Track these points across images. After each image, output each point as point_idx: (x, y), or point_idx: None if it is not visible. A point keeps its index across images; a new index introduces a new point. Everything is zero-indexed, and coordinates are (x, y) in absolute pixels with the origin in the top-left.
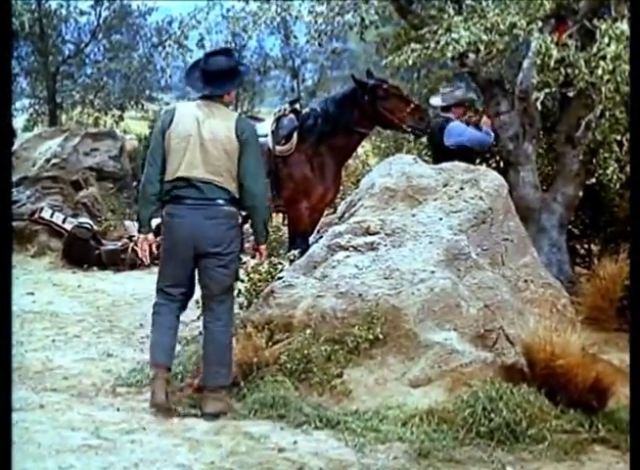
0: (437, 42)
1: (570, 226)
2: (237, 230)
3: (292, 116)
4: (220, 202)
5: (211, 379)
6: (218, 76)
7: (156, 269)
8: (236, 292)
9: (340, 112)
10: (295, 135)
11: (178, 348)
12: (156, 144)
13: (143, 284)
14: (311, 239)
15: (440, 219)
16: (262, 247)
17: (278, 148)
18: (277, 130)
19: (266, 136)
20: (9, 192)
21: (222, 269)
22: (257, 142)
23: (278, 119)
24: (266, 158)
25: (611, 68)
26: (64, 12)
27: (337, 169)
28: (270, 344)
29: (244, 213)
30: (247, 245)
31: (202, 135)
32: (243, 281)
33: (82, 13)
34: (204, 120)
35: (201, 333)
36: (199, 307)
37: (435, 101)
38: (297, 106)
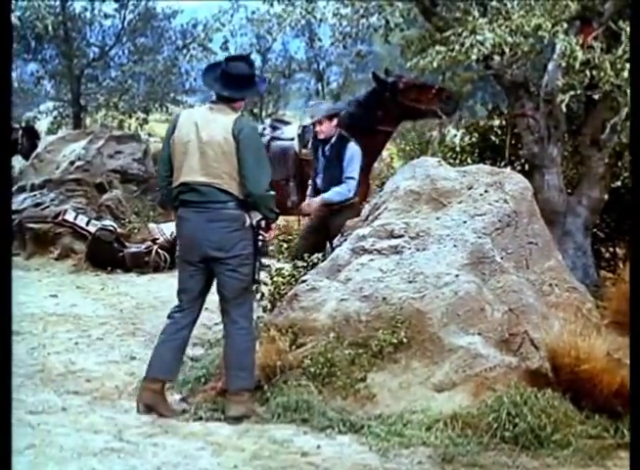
0: (462, 44)
1: (595, 229)
2: (243, 233)
3: None
4: (223, 205)
5: (232, 382)
6: (238, 81)
7: (175, 274)
8: (259, 295)
9: (363, 112)
10: None
11: (201, 351)
12: (163, 152)
13: (166, 287)
14: (335, 242)
15: (465, 222)
16: (273, 225)
17: (304, 151)
18: (304, 134)
19: (292, 139)
20: (9, 192)
21: (232, 273)
22: (257, 139)
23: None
24: (292, 161)
25: None
26: (88, 15)
27: (363, 171)
28: (294, 347)
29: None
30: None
31: (200, 139)
32: (265, 284)
33: (107, 16)
34: (203, 124)
35: (224, 336)
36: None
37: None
38: None
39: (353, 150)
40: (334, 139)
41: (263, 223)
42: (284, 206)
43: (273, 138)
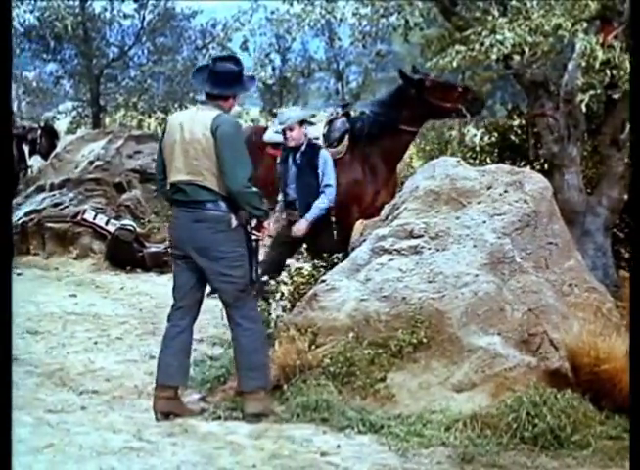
0: (482, 44)
1: (614, 229)
2: (229, 234)
3: (343, 119)
4: (207, 205)
5: (244, 383)
6: (225, 78)
7: None
8: (278, 295)
9: (388, 111)
10: (346, 138)
11: (220, 350)
12: (157, 156)
13: None
14: (354, 242)
15: (484, 222)
16: (265, 223)
17: (330, 150)
18: (329, 133)
19: (318, 139)
20: (9, 193)
21: (223, 277)
22: (235, 135)
23: (330, 122)
24: None
25: None
26: (108, 15)
27: (388, 172)
28: (313, 347)
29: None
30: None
31: (184, 139)
32: (285, 284)
33: (126, 16)
34: (187, 124)
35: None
36: None
37: (269, 135)
38: (349, 109)
39: (326, 157)
40: (304, 147)
41: (255, 222)
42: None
43: None
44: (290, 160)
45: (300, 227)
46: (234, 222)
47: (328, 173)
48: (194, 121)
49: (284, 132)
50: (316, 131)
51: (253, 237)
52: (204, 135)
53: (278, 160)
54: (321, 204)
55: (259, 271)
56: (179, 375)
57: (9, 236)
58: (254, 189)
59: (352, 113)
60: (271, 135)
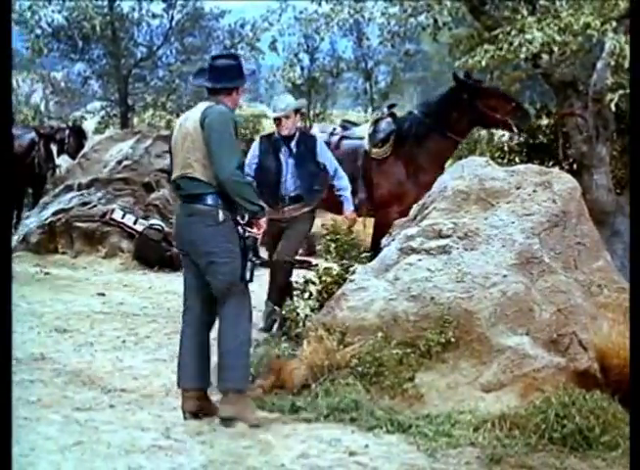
0: (511, 43)
1: None
2: (218, 229)
3: (389, 119)
4: (197, 199)
5: (218, 382)
6: (224, 72)
7: None
8: (307, 294)
9: (436, 114)
10: (391, 139)
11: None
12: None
13: None
14: (384, 241)
15: (513, 223)
16: (261, 221)
17: (374, 151)
18: (374, 133)
19: (362, 139)
20: (9, 193)
21: (212, 273)
22: (223, 123)
23: (376, 122)
24: (362, 159)
25: None
26: (136, 15)
27: (431, 175)
28: (341, 347)
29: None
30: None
31: (181, 135)
32: (313, 283)
33: (155, 16)
34: (184, 121)
35: (272, 335)
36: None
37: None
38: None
39: (324, 145)
40: (297, 135)
41: (248, 218)
42: None
43: (343, 137)
44: (282, 151)
45: (354, 216)
46: (221, 216)
47: (333, 160)
48: (188, 117)
49: (279, 120)
50: (362, 131)
51: (247, 234)
52: (194, 127)
53: (257, 149)
54: (345, 183)
55: (253, 271)
56: (199, 378)
57: (8, 237)
58: (247, 179)
59: (397, 113)
60: (317, 134)
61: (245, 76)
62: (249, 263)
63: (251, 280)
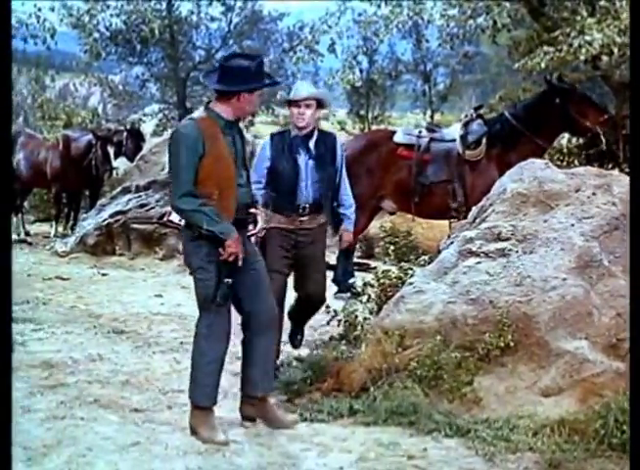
0: (570, 45)
1: None
2: (191, 245)
3: (480, 120)
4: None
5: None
6: (226, 73)
7: None
8: (365, 297)
9: (527, 116)
10: (484, 141)
11: (306, 352)
12: None
13: None
14: (442, 244)
15: (572, 225)
16: (227, 242)
17: (468, 152)
18: (466, 135)
19: (454, 141)
20: (9, 193)
21: (194, 285)
22: (174, 146)
23: (466, 124)
24: (455, 162)
25: None
26: (194, 18)
27: None
28: (400, 350)
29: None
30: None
31: None
32: (372, 286)
33: (213, 19)
34: None
35: (330, 338)
36: (328, 312)
37: (400, 136)
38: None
39: (340, 140)
40: (316, 133)
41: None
42: (446, 207)
43: (433, 139)
44: (300, 151)
45: (351, 238)
46: (190, 234)
47: (344, 169)
48: None
49: (296, 105)
50: (453, 133)
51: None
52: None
53: (269, 149)
54: (352, 210)
55: (227, 293)
56: (250, 384)
57: (8, 235)
58: (195, 206)
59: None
60: (401, 137)
61: (254, 81)
62: (219, 285)
63: (221, 303)
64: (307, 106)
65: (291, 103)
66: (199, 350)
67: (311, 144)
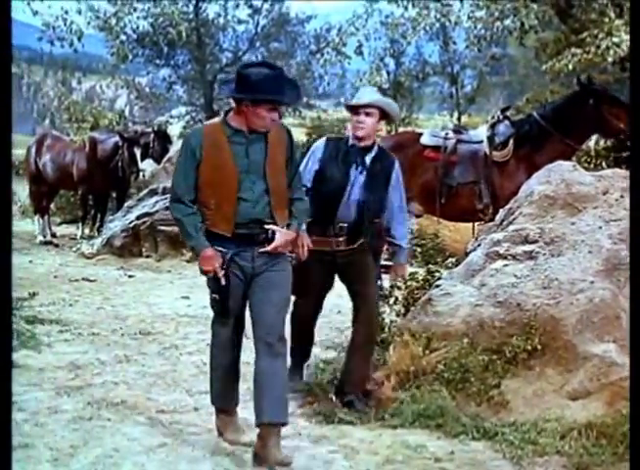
0: (598, 46)
1: None
2: None
3: (507, 122)
4: None
5: None
6: (231, 81)
7: None
8: (392, 299)
9: (557, 117)
10: (511, 142)
11: (333, 354)
12: None
13: None
14: (469, 247)
15: (600, 228)
16: (204, 255)
17: (495, 154)
18: (493, 136)
19: (481, 142)
20: (9, 192)
21: None
22: (180, 149)
23: (493, 126)
24: (482, 163)
25: None
26: (221, 21)
27: None
28: (427, 352)
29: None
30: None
31: None
32: (399, 288)
33: (240, 21)
34: None
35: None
36: None
37: (427, 138)
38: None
39: (399, 167)
40: (376, 149)
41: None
42: (473, 209)
43: (459, 141)
44: (354, 163)
45: (405, 273)
46: None
47: (403, 196)
48: None
49: (356, 112)
50: (480, 135)
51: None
52: None
53: (321, 152)
54: (406, 242)
55: (217, 307)
56: (255, 409)
57: (8, 235)
58: (181, 214)
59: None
60: (428, 138)
61: (249, 92)
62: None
63: (220, 315)
64: (368, 114)
65: (351, 109)
66: (210, 355)
67: (367, 159)
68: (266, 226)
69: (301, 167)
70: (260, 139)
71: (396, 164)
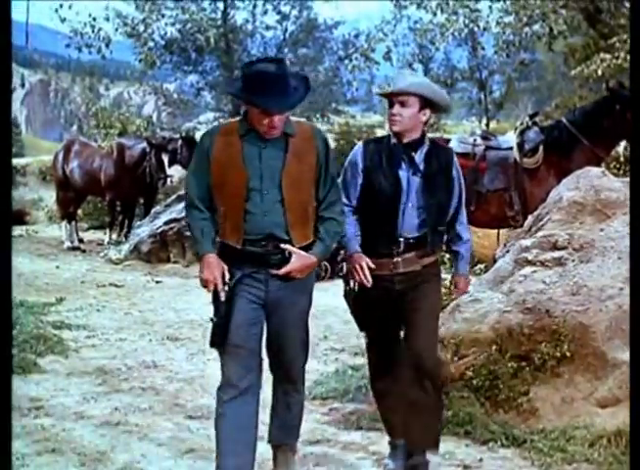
0: (628, 51)
1: None
2: None
3: (536, 128)
4: None
5: None
6: (244, 80)
7: (338, 282)
8: None
9: (586, 124)
10: (541, 148)
11: (362, 360)
12: None
13: (327, 296)
14: (498, 253)
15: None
16: (206, 261)
17: (525, 160)
18: (522, 143)
19: (510, 149)
20: (9, 191)
21: None
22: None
23: (522, 132)
24: (512, 170)
25: None
26: (250, 27)
27: None
28: (456, 359)
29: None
30: None
31: None
32: None
33: (268, 27)
34: None
35: None
36: None
37: (454, 144)
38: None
39: (457, 162)
40: (427, 144)
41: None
42: (503, 216)
43: (488, 147)
44: (402, 165)
45: (468, 287)
46: None
47: (464, 193)
48: None
49: (391, 104)
50: (509, 141)
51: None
52: None
53: (361, 160)
54: (467, 246)
55: (213, 331)
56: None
57: (8, 235)
58: (194, 220)
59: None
60: (457, 145)
61: (235, 89)
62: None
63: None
64: (403, 104)
65: (387, 98)
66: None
67: (417, 157)
68: (282, 245)
69: (340, 182)
70: (280, 143)
71: (454, 158)
